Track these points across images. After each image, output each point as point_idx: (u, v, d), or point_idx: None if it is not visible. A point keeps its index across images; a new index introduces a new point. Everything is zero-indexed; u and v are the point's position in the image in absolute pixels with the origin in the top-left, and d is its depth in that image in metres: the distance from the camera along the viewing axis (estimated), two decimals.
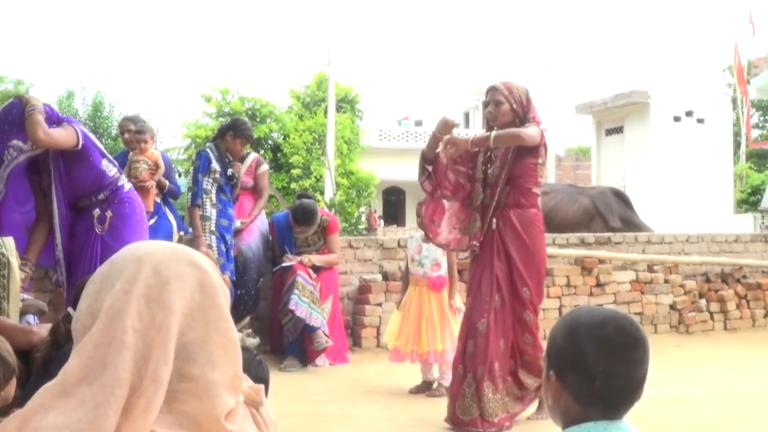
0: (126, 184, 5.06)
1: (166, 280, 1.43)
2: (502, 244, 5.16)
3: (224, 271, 6.85)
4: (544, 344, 3.44)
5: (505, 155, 5.19)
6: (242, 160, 7.64)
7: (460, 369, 5.10)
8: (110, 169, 4.95)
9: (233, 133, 7.10)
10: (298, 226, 7.44)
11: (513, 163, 5.17)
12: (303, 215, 7.38)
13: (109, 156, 5.05)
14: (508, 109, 5.17)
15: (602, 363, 1.72)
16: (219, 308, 1.45)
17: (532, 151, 5.13)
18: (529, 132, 5.03)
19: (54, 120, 4.74)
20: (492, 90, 5.26)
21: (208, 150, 7.09)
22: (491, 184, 5.21)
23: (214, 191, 7.00)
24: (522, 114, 5.18)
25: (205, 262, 1.50)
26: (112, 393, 1.33)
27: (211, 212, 6.97)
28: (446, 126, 5.16)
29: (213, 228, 6.93)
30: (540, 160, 5.18)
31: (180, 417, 1.38)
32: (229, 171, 7.10)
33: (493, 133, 5.08)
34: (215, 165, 6.98)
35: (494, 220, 5.21)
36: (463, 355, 5.11)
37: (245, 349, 2.73)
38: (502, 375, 5.06)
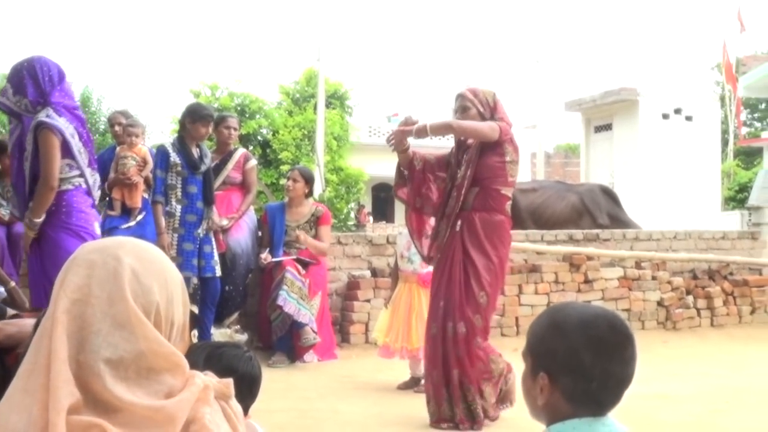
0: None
1: (71, 265, 1.47)
2: (463, 248, 5.07)
3: (186, 270, 6.70)
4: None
5: (471, 155, 5.16)
6: (230, 155, 7.61)
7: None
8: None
9: (190, 119, 6.93)
10: (291, 173, 7.69)
11: (478, 163, 5.11)
12: (301, 167, 7.79)
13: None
14: (475, 113, 5.14)
15: (599, 365, 1.70)
16: (124, 300, 1.44)
17: (496, 148, 5.07)
18: (486, 125, 5.02)
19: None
20: (459, 97, 5.23)
21: (165, 145, 6.98)
22: (458, 185, 5.14)
23: (179, 185, 6.86)
24: (489, 116, 5.15)
25: (142, 255, 1.50)
26: (45, 387, 1.38)
27: (176, 208, 6.81)
28: (406, 124, 5.14)
29: (177, 224, 6.81)
30: (508, 158, 5.08)
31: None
32: (216, 221, 7.03)
33: (453, 119, 5.10)
34: (174, 158, 6.81)
35: (458, 222, 5.14)
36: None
37: (236, 345, 2.72)
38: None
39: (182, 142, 6.89)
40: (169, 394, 1.44)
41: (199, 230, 6.86)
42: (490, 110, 5.17)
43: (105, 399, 1.39)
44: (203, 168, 6.93)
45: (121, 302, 1.43)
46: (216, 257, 6.98)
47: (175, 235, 6.77)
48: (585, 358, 1.70)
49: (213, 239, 6.99)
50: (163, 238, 6.66)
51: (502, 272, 5.16)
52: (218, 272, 6.97)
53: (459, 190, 5.14)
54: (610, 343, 1.72)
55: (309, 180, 7.71)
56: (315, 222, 7.63)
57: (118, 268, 1.45)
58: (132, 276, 1.45)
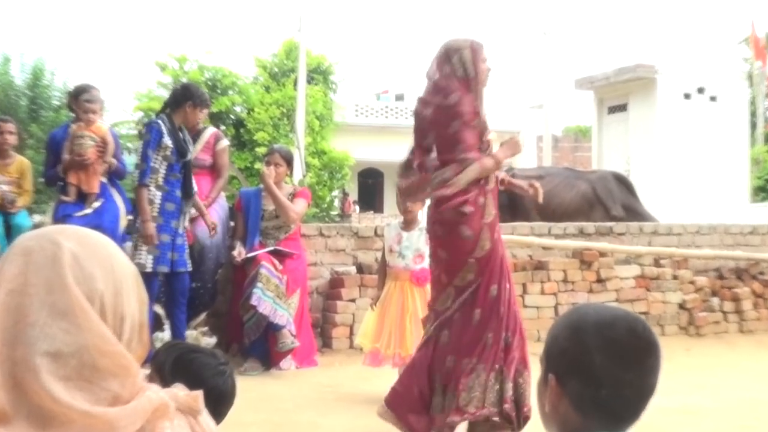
0: None
1: (8, 254, 1.46)
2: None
3: (162, 264, 6.72)
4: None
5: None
6: (198, 134, 7.55)
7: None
8: None
9: (192, 102, 6.99)
10: (271, 155, 7.60)
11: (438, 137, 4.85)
12: (279, 146, 7.74)
13: None
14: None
15: (611, 370, 1.69)
16: (65, 287, 1.41)
17: (451, 114, 4.78)
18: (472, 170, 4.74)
19: None
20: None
21: (159, 122, 6.95)
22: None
23: (162, 170, 6.87)
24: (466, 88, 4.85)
25: (85, 240, 1.48)
26: None
27: (155, 195, 6.84)
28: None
29: (156, 213, 6.81)
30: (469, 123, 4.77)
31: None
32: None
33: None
34: (167, 140, 6.84)
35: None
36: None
37: (212, 354, 2.65)
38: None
39: (172, 122, 6.89)
40: (113, 403, 1.40)
41: (177, 223, 6.87)
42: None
43: (39, 402, 1.36)
44: (189, 156, 6.98)
45: (61, 289, 1.41)
46: (187, 250, 7.01)
47: (153, 225, 6.76)
48: (596, 360, 1.69)
49: (182, 230, 6.99)
50: (149, 227, 6.71)
51: (458, 239, 4.84)
52: (190, 266, 6.99)
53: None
54: (628, 347, 1.72)
55: (290, 162, 7.73)
56: (291, 199, 7.60)
57: (58, 253, 1.43)
58: (73, 260, 1.44)
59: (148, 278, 6.65)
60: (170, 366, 2.45)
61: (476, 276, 4.79)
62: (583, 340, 1.72)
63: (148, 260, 6.70)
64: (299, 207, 7.64)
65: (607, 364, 1.69)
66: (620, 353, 1.70)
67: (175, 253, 6.90)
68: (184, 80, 28.75)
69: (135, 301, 1.50)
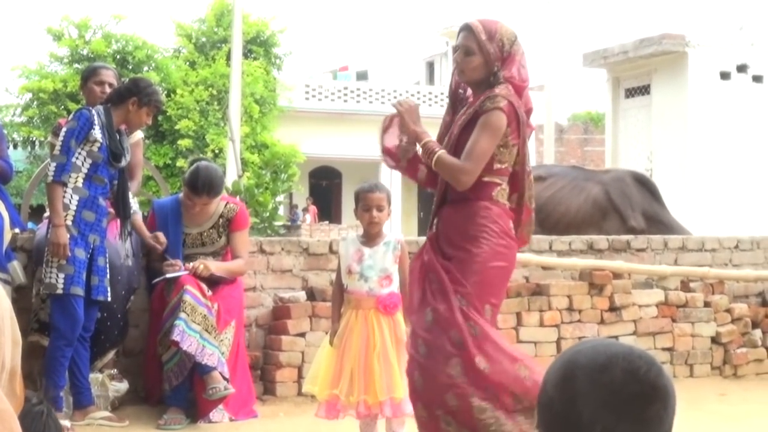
0: None
1: None
2: (439, 251, 5.31)
3: (76, 284, 6.71)
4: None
5: (453, 132, 5.37)
6: None
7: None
8: None
9: (138, 100, 7.01)
10: (196, 196, 7.44)
11: (457, 145, 5.29)
12: (204, 179, 7.41)
13: None
14: (479, 63, 5.28)
15: (602, 422, 1.73)
16: None
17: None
18: (463, 167, 5.21)
19: None
20: (464, 31, 5.35)
21: (92, 110, 6.99)
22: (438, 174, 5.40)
23: (85, 169, 6.86)
24: (496, 69, 5.27)
25: None
26: None
27: (72, 199, 6.82)
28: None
29: (70, 222, 6.81)
30: (500, 142, 5.24)
31: None
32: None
33: (439, 152, 5.25)
34: (97, 133, 6.83)
35: (435, 221, 5.40)
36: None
37: (25, 398, 2.63)
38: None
39: (110, 117, 6.94)
40: None
41: (98, 238, 6.88)
42: (502, 60, 5.28)
43: None
44: (123, 162, 7.02)
45: None
46: (108, 275, 6.99)
47: (66, 235, 6.76)
48: (584, 411, 1.73)
49: (107, 250, 7.00)
50: (61, 233, 6.68)
51: (486, 269, 5.24)
52: (110, 298, 6.97)
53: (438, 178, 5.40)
54: (623, 394, 1.75)
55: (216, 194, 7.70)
56: (225, 226, 7.60)
57: None
58: None
59: (62, 303, 6.68)
60: None
61: None
62: (571, 388, 1.76)
63: (59, 279, 6.71)
64: (244, 245, 7.72)
65: (597, 416, 1.73)
66: (613, 401, 1.73)
67: (94, 276, 6.87)
68: (86, 53, 28.64)
69: (9, 343, 1.49)
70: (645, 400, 1.76)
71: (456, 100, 5.54)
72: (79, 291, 6.75)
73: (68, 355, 6.75)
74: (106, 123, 6.92)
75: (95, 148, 6.85)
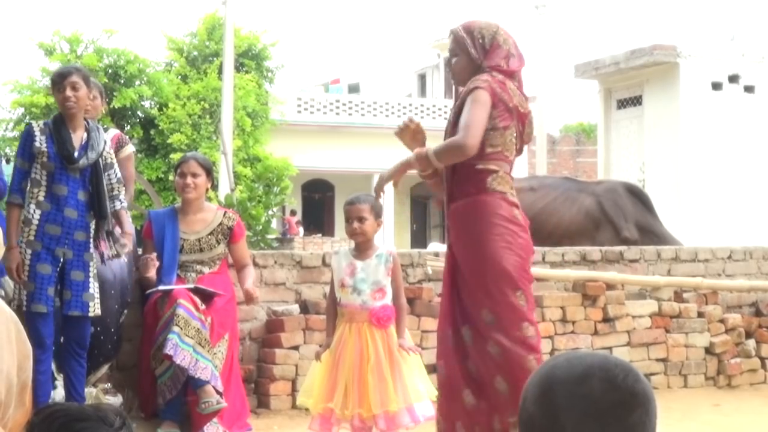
0: None
1: None
2: (452, 255, 5.45)
3: (37, 301, 6.64)
4: None
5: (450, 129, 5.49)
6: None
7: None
8: None
9: (52, 87, 6.98)
10: (185, 165, 7.57)
11: (451, 131, 5.42)
12: (197, 157, 7.68)
13: None
14: (465, 62, 5.48)
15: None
16: None
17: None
18: (452, 141, 5.29)
19: None
20: (450, 37, 5.59)
21: (32, 123, 6.95)
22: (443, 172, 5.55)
23: (44, 182, 6.80)
24: (480, 63, 5.44)
25: None
26: None
27: (35, 213, 6.75)
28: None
29: (32, 237, 6.76)
30: (488, 125, 5.32)
31: None
32: (118, 247, 6.98)
33: (429, 148, 5.37)
34: (39, 144, 6.77)
35: (447, 223, 5.57)
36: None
37: (103, 419, 2.53)
38: None
39: (59, 122, 6.88)
40: None
41: (65, 251, 6.78)
42: (484, 54, 5.45)
43: None
44: (83, 162, 6.85)
45: None
46: (92, 290, 6.88)
47: (28, 251, 6.71)
48: (567, 425, 1.74)
49: (90, 264, 6.89)
50: (13, 255, 6.60)
51: (495, 264, 5.31)
52: (93, 310, 6.88)
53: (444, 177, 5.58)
54: (603, 403, 1.76)
55: (210, 171, 7.71)
56: (224, 234, 7.60)
57: None
58: None
59: (26, 321, 6.62)
60: None
61: None
62: (551, 403, 1.76)
63: (23, 297, 6.67)
64: (246, 256, 7.79)
65: (580, 428, 1.72)
66: (595, 412, 1.73)
67: (67, 290, 6.79)
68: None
69: (8, 355, 1.47)
70: (626, 407, 1.77)
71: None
72: (41, 308, 6.62)
73: (42, 370, 6.65)
74: (52, 128, 6.86)
75: (45, 159, 6.79)
